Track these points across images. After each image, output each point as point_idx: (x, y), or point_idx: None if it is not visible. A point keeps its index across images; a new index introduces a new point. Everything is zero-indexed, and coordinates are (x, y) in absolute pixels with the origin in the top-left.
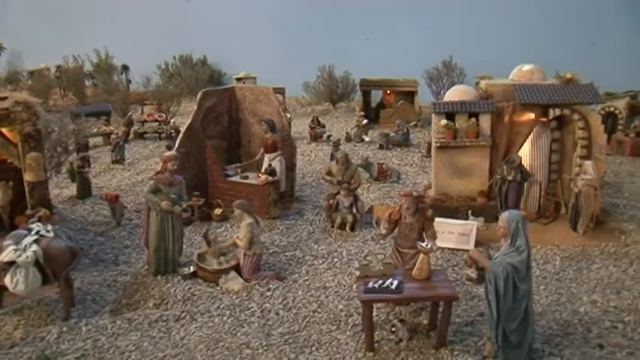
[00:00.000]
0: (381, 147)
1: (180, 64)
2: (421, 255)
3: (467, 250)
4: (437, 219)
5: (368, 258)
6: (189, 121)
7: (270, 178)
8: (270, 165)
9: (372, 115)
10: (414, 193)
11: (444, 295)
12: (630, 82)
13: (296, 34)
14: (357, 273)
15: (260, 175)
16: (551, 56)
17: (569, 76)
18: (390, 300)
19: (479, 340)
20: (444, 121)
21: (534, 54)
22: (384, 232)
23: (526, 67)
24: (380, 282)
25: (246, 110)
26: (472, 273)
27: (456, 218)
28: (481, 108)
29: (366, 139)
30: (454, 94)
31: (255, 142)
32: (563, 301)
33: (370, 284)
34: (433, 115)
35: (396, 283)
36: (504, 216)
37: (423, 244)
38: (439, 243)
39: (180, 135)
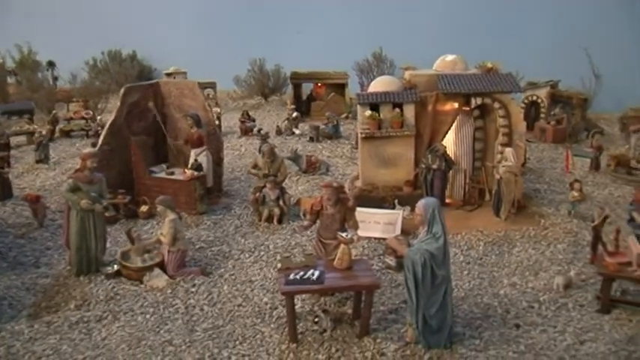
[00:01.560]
0: (311, 139)
1: (109, 60)
2: (342, 245)
3: None
4: (363, 209)
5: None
6: (112, 117)
7: (196, 173)
8: (196, 160)
9: (303, 107)
10: (335, 184)
11: (365, 284)
12: (551, 71)
13: (226, 27)
14: (279, 265)
15: (186, 170)
16: (477, 47)
17: (489, 65)
18: (311, 291)
19: (402, 327)
20: (368, 112)
21: (461, 45)
22: (306, 223)
23: (449, 58)
24: (301, 273)
25: (172, 105)
26: (391, 261)
27: (383, 208)
28: (405, 98)
29: (297, 132)
30: (378, 84)
31: (182, 138)
32: (484, 285)
33: (291, 276)
34: (358, 106)
35: (317, 273)
36: (420, 204)
37: (343, 235)
38: (366, 233)
39: (104, 132)
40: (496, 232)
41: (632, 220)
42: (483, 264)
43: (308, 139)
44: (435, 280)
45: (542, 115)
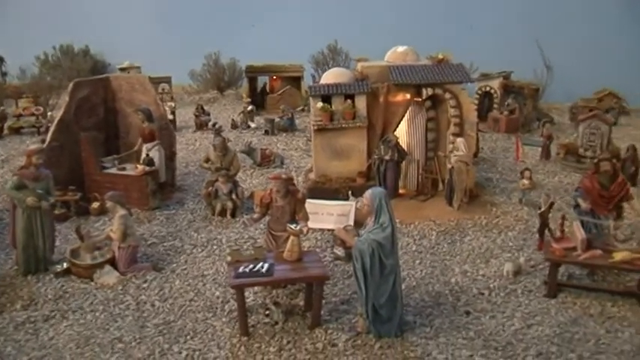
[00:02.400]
0: (266, 133)
1: (61, 55)
2: (291, 237)
3: None
4: (316, 201)
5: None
6: (60, 113)
7: (147, 168)
8: (147, 155)
9: (259, 101)
10: (283, 176)
11: (314, 275)
12: (504, 63)
13: (181, 21)
14: (229, 258)
15: (137, 165)
16: (432, 39)
17: (440, 56)
18: (261, 283)
19: (354, 317)
20: (320, 104)
21: (416, 36)
22: (255, 216)
23: (400, 49)
24: (251, 266)
25: (123, 100)
26: (340, 252)
27: (337, 199)
28: (356, 89)
29: (252, 125)
30: (330, 76)
31: (134, 133)
32: (436, 273)
33: (241, 269)
34: (310, 98)
35: (266, 266)
36: (367, 194)
37: (292, 226)
38: (319, 224)
39: (52, 128)
40: (449, 221)
41: (577, 206)
42: (435, 253)
43: (263, 132)
44: (384, 269)
45: (495, 106)
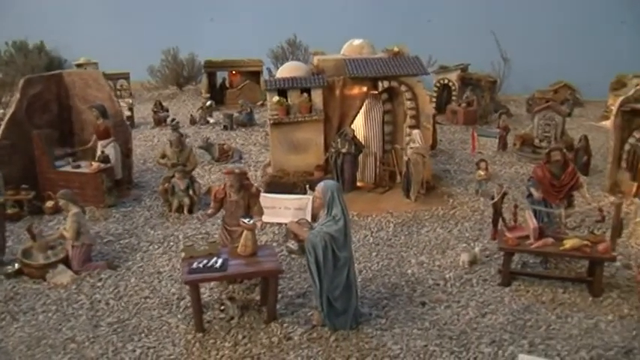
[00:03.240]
0: (225, 128)
1: (15, 51)
2: (245, 231)
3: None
4: (273, 195)
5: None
6: (11, 110)
7: (102, 165)
8: (102, 152)
9: (219, 96)
10: (237, 170)
11: (268, 269)
12: (463, 55)
13: (139, 17)
14: (183, 255)
15: (92, 163)
16: (391, 32)
17: (396, 49)
18: (214, 279)
19: (309, 310)
20: (276, 98)
21: (375, 30)
22: (209, 211)
23: (356, 42)
24: (205, 262)
25: (77, 97)
26: (293, 245)
27: (295, 193)
28: (312, 83)
29: (211, 120)
30: (286, 70)
31: (89, 130)
32: (393, 265)
33: (195, 265)
34: (267, 92)
35: (220, 261)
36: (319, 187)
37: (246, 221)
38: (276, 218)
39: (2, 126)
40: (406, 213)
41: (530, 195)
42: (392, 245)
43: (222, 127)
44: (337, 262)
45: (453, 98)
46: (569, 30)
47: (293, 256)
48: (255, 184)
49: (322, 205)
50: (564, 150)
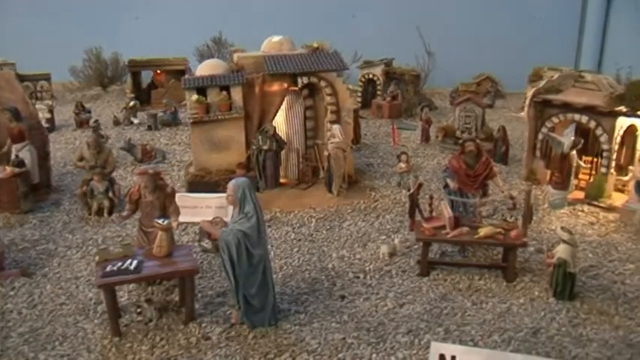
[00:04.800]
0: (149, 128)
1: None
2: (159, 232)
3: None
4: (194, 194)
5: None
6: None
7: (17, 170)
8: (17, 156)
9: (144, 96)
10: (150, 171)
11: (184, 269)
12: (387, 50)
13: (59, 14)
14: (97, 258)
15: (6, 167)
16: (316, 28)
17: (315, 45)
18: (128, 281)
19: (229, 309)
20: (195, 96)
21: (301, 26)
22: (125, 213)
23: (275, 39)
24: (119, 264)
25: None
26: (207, 244)
27: (218, 192)
28: (231, 80)
29: (135, 121)
30: (205, 68)
31: (2, 133)
32: (314, 260)
33: (108, 268)
34: (185, 91)
35: (135, 263)
36: (231, 184)
37: (160, 221)
38: (198, 218)
39: None
40: (328, 208)
41: (446, 186)
42: (314, 240)
43: (146, 127)
44: (252, 259)
45: (378, 92)
46: (490, 24)
47: (208, 255)
48: (170, 184)
49: (234, 202)
50: (478, 141)
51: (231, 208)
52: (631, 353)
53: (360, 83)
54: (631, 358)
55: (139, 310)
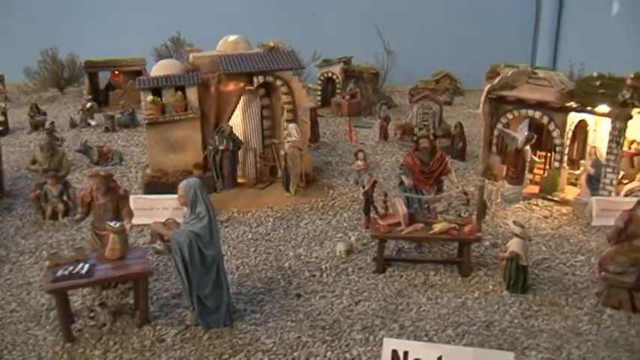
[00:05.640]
0: (106, 130)
1: None
2: (112, 235)
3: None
4: (150, 196)
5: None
6: None
7: None
8: None
9: (102, 97)
10: (102, 173)
11: (136, 271)
12: (346, 49)
13: (13, 14)
14: (47, 263)
15: None
16: (275, 28)
17: (271, 44)
18: (80, 285)
19: (184, 311)
20: (149, 97)
21: (260, 26)
22: (77, 216)
23: (231, 38)
24: (70, 268)
25: None
26: (159, 245)
27: (175, 193)
28: (186, 81)
29: (93, 123)
30: (159, 68)
31: None
32: (270, 259)
33: (59, 272)
34: (140, 92)
35: (87, 267)
36: (182, 185)
37: (112, 224)
38: (155, 219)
39: None
40: (286, 207)
41: (402, 183)
42: (271, 239)
43: (103, 129)
44: (205, 260)
45: (337, 91)
46: (449, 22)
47: (161, 256)
48: (123, 186)
49: (185, 203)
50: (431, 137)
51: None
52: (578, 342)
53: (320, 82)
54: (578, 346)
55: (92, 314)
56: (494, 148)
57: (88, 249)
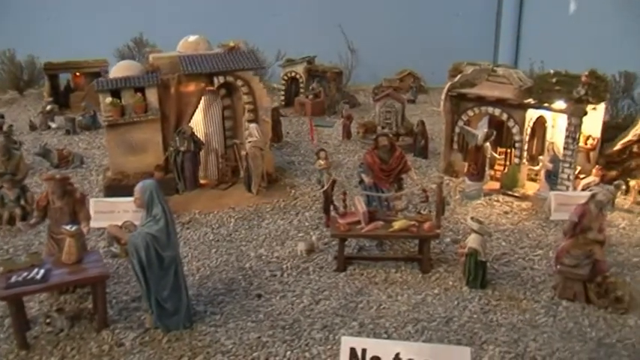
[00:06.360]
0: (67, 132)
1: None
2: (68, 239)
3: None
4: (110, 199)
5: None
6: None
7: None
8: None
9: (63, 99)
10: (57, 176)
11: (93, 275)
12: (310, 48)
13: None
14: (0, 269)
15: None
16: (239, 28)
17: (232, 44)
18: (34, 291)
19: (143, 314)
20: (108, 99)
21: (224, 26)
22: (33, 221)
23: (191, 39)
24: (25, 274)
25: None
26: (115, 249)
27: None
28: (146, 82)
29: (53, 125)
30: (118, 70)
31: None
32: (232, 260)
33: (13, 278)
34: (99, 94)
35: (42, 272)
36: (138, 187)
37: (68, 227)
38: (116, 222)
39: None
40: (248, 207)
41: (361, 181)
42: (232, 240)
43: (64, 132)
44: (163, 262)
45: (301, 90)
46: (413, 21)
47: (120, 260)
48: (80, 189)
49: (141, 205)
50: (391, 136)
51: None
52: (535, 334)
53: (283, 82)
54: (535, 338)
55: (48, 320)
56: (455, 146)
57: (45, 254)
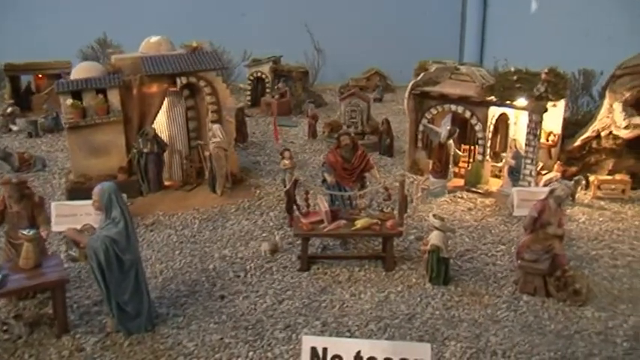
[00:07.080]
0: (30, 135)
1: None
2: (25, 243)
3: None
4: (72, 202)
5: None
6: None
7: None
8: None
9: (25, 102)
10: (14, 180)
11: (52, 280)
12: (277, 48)
13: None
14: None
15: None
16: (204, 28)
17: (194, 44)
18: None
19: (105, 318)
20: (69, 101)
21: (190, 26)
22: None
23: (153, 39)
24: None
25: None
26: (74, 252)
27: None
28: (107, 83)
29: (15, 128)
30: (80, 71)
31: None
32: (195, 262)
33: None
34: (59, 96)
35: None
36: (96, 189)
37: (25, 232)
38: (78, 226)
39: None
40: (212, 208)
41: (324, 180)
42: (196, 241)
43: (26, 134)
44: (122, 265)
45: (267, 90)
46: (379, 20)
47: (79, 263)
48: (37, 194)
49: (100, 207)
50: (353, 135)
51: None
52: (496, 329)
53: (249, 82)
54: (496, 333)
55: (5, 327)
56: (419, 144)
57: (2, 259)
